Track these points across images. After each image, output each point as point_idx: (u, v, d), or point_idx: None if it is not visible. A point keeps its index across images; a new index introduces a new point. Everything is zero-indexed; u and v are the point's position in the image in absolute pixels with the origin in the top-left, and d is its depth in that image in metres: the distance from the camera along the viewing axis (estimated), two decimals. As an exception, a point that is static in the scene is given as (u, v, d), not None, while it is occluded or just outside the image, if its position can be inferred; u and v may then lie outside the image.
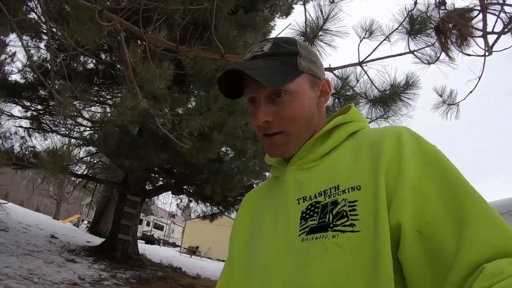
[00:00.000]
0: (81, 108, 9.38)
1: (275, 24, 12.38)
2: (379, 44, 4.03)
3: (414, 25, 3.96)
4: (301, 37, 4.26)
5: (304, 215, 0.93)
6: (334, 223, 0.85)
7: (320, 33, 4.17)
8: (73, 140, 13.54)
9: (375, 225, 0.79)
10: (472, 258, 0.67)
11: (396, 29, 3.99)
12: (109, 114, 11.10)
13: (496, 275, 0.62)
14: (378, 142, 0.91)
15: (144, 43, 3.52)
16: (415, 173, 0.82)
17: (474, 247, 0.68)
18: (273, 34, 12.72)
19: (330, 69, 4.03)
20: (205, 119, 4.50)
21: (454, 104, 4.37)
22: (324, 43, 4.28)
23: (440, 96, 4.41)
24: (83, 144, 12.84)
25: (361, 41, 4.19)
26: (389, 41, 4.06)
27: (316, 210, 0.91)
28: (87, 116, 11.67)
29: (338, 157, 0.99)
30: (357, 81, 4.73)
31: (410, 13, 3.94)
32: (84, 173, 14.49)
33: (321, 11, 4.14)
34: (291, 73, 1.01)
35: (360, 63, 4.00)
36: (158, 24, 3.37)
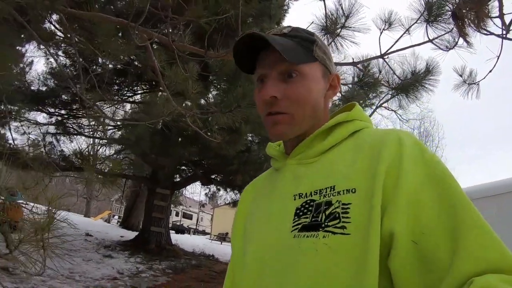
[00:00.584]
0: (104, 108, 9.60)
1: (287, 8, 12.01)
2: (400, 37, 4.13)
3: (432, 12, 3.98)
4: (322, 31, 4.37)
5: (298, 211, 0.94)
6: (326, 223, 0.86)
7: (343, 31, 4.26)
8: (98, 140, 13.84)
9: (367, 230, 0.80)
10: (464, 271, 0.68)
11: (416, 22, 4.05)
12: (138, 116, 11.31)
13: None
14: (379, 145, 0.91)
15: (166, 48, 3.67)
16: (413, 181, 0.82)
17: (466, 260, 0.69)
18: (287, 20, 12.61)
19: (354, 63, 4.15)
20: (236, 116, 4.62)
21: (475, 83, 4.41)
22: (345, 39, 4.37)
23: (461, 76, 4.45)
24: (114, 144, 13.13)
25: (381, 33, 4.27)
26: (409, 33, 4.12)
27: (310, 208, 0.92)
28: (110, 115, 11.92)
29: (337, 156, 0.99)
30: (380, 72, 4.79)
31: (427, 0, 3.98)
32: (113, 170, 14.79)
33: (341, 7, 4.22)
34: (307, 56, 1.01)
35: (382, 56, 4.12)
36: (184, 31, 3.52)
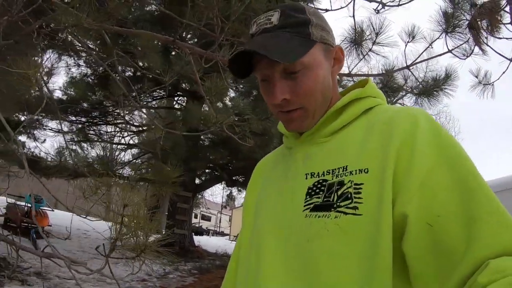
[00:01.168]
0: (127, 113, 9.80)
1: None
2: (424, 51, 4.34)
3: (450, 23, 4.22)
4: (352, 44, 4.62)
5: (310, 191, 0.93)
6: (338, 203, 0.85)
7: (374, 47, 4.49)
8: (116, 146, 14.07)
9: (379, 212, 0.79)
10: (480, 253, 0.67)
11: (438, 38, 4.30)
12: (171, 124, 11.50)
13: (499, 271, 0.62)
14: (392, 123, 0.88)
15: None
16: (427, 162, 0.79)
17: (482, 244, 0.68)
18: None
19: (383, 74, 4.38)
20: (271, 122, 4.72)
21: (489, 84, 4.62)
22: (377, 53, 4.65)
23: (476, 77, 4.68)
24: (144, 149, 13.39)
25: (406, 45, 4.49)
26: (432, 47, 4.34)
27: (323, 188, 0.90)
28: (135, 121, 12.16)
29: (350, 135, 0.96)
30: (405, 81, 4.99)
31: (445, 13, 4.22)
32: (133, 174, 15.02)
33: (371, 24, 4.44)
34: (305, 45, 0.95)
35: (408, 67, 4.35)
36: (222, 44, 3.70)
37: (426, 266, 0.73)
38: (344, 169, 0.89)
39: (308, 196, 0.92)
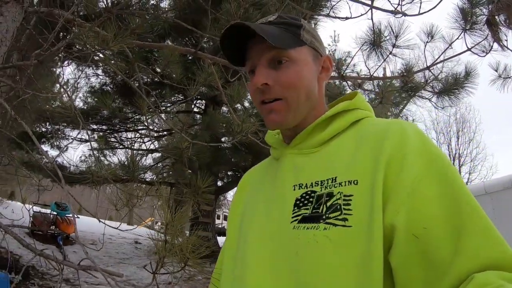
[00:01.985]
0: (149, 118, 9.96)
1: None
2: (443, 52, 4.39)
3: (468, 21, 4.23)
4: (371, 45, 4.70)
5: (298, 202, 0.92)
6: (327, 215, 0.84)
7: (394, 49, 4.54)
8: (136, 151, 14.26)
9: (369, 223, 0.78)
10: (465, 266, 0.68)
11: (457, 38, 4.30)
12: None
13: (483, 285, 0.63)
14: (381, 136, 0.88)
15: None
16: (416, 173, 0.80)
17: (468, 256, 0.68)
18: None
19: (403, 76, 4.41)
20: None
21: (510, 77, 4.62)
22: (396, 56, 4.69)
23: (496, 70, 4.66)
24: (166, 155, 13.58)
25: (425, 45, 4.50)
26: (452, 47, 4.36)
27: (311, 199, 0.90)
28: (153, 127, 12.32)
29: (338, 146, 0.96)
30: (426, 81, 5.01)
31: (462, 10, 4.23)
32: (154, 179, 15.23)
33: (391, 28, 4.47)
34: (294, 41, 0.99)
35: (428, 68, 4.42)
36: None
37: (411, 277, 0.74)
38: (333, 181, 0.89)
39: (296, 208, 0.91)
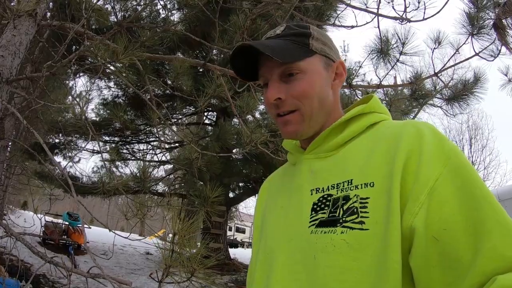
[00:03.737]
0: (160, 130, 10.04)
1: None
2: (451, 57, 4.40)
3: (474, 25, 4.24)
4: (379, 54, 4.72)
5: (315, 206, 0.92)
6: (344, 218, 0.84)
7: (401, 57, 4.57)
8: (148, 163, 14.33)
9: (386, 226, 0.78)
10: (486, 268, 0.66)
11: (464, 43, 4.32)
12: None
13: (506, 287, 0.62)
14: (397, 138, 0.88)
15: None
16: (433, 174, 0.78)
17: (489, 257, 0.67)
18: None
19: (411, 84, 4.43)
20: None
21: None
22: (404, 63, 4.73)
23: (505, 75, 4.66)
24: (177, 166, 13.68)
25: (433, 52, 4.53)
26: (459, 52, 4.36)
27: (328, 203, 0.90)
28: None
29: (354, 150, 0.96)
30: (435, 88, 5.01)
31: (468, 15, 4.23)
32: (166, 190, 15.27)
33: (397, 35, 4.51)
34: (302, 52, 1.00)
35: (436, 74, 4.44)
36: None
37: (431, 279, 0.73)
38: (349, 183, 0.88)
39: (313, 212, 0.92)
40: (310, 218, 0.91)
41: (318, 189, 0.95)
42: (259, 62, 1.04)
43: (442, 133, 0.87)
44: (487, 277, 0.65)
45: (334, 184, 0.91)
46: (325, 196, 0.92)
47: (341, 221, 0.84)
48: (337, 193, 0.89)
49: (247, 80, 1.12)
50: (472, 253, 0.69)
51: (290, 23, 1.05)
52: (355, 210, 0.83)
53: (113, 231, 3.28)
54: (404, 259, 0.76)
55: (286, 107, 0.99)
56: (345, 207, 0.85)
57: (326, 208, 0.89)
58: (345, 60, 13.75)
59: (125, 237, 3.55)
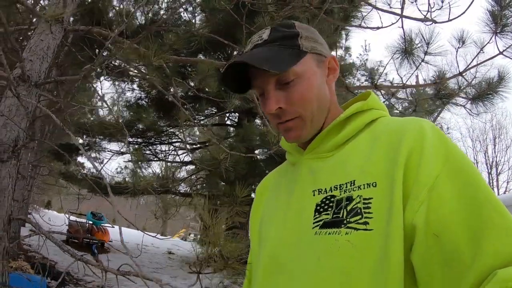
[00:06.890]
0: (184, 131, 10.16)
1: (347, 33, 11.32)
2: (475, 56, 4.38)
3: (498, 23, 4.21)
4: (402, 53, 4.73)
5: (318, 207, 0.91)
6: (348, 219, 0.84)
7: (426, 57, 4.58)
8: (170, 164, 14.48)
9: (388, 225, 0.78)
10: (487, 263, 0.66)
11: (488, 42, 4.29)
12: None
13: (507, 281, 0.62)
14: (398, 135, 0.87)
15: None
16: (434, 171, 0.79)
17: (489, 253, 0.67)
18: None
19: (436, 84, 4.43)
20: None
21: None
22: (428, 63, 4.72)
23: None
24: (200, 166, 13.78)
25: (457, 51, 4.51)
26: (483, 52, 4.34)
27: (331, 204, 0.89)
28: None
29: (355, 149, 0.95)
30: (459, 88, 5.00)
31: (492, 13, 4.21)
32: (188, 190, 15.40)
33: (422, 35, 4.51)
34: (295, 56, 0.97)
35: (460, 73, 4.44)
36: None
37: (433, 276, 0.73)
38: (352, 184, 0.88)
39: (316, 213, 0.91)
40: (314, 219, 0.91)
41: (320, 190, 0.94)
42: (251, 72, 1.01)
43: (442, 131, 0.87)
44: (488, 272, 0.66)
45: (337, 185, 0.91)
46: (328, 197, 0.91)
47: (345, 222, 0.84)
48: (340, 194, 0.89)
49: (238, 93, 1.10)
50: (472, 249, 0.69)
51: (274, 25, 1.03)
52: (358, 210, 0.83)
53: (142, 230, 3.35)
54: (406, 257, 0.76)
55: (288, 115, 0.98)
56: (348, 208, 0.85)
57: (330, 209, 0.89)
58: (366, 60, 13.68)
59: (153, 236, 3.62)
